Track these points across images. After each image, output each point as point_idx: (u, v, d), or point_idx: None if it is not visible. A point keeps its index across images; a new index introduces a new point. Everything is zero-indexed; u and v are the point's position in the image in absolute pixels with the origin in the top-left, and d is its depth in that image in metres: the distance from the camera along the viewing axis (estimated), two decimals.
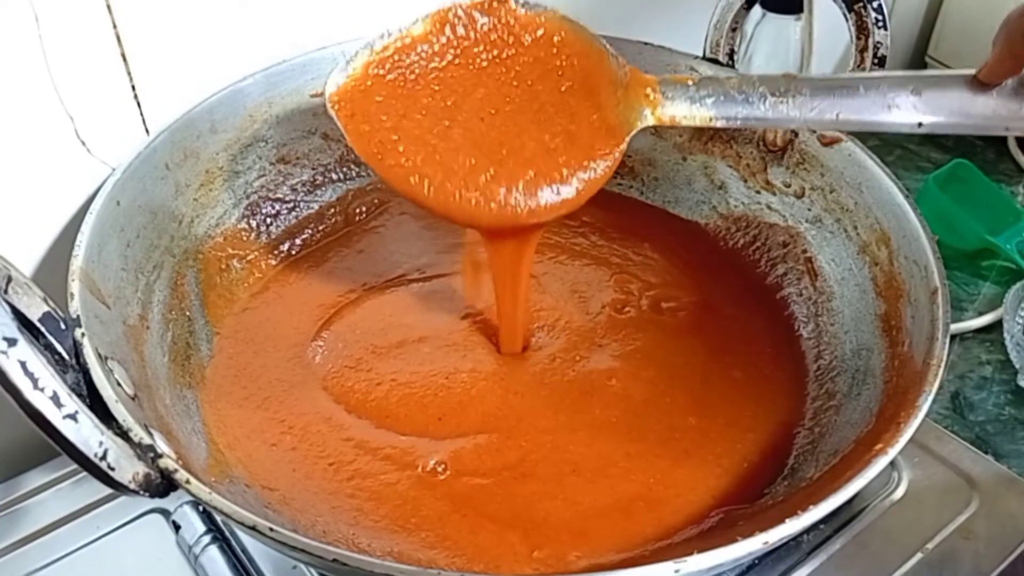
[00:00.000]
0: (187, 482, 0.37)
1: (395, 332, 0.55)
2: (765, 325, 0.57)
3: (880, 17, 0.55)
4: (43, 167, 0.52)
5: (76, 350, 0.41)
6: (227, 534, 0.50)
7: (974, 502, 0.52)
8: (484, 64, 0.49)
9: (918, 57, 0.97)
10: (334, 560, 0.35)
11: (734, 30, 0.59)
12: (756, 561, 0.49)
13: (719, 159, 0.62)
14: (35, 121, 0.50)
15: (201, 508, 0.51)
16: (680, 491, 0.47)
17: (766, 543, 0.36)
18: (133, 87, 0.53)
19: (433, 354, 0.54)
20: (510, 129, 0.48)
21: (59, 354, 0.40)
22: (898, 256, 0.51)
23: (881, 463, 0.39)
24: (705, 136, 0.62)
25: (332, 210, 0.63)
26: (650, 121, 0.48)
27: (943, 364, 0.44)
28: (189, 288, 0.54)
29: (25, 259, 0.53)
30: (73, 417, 0.36)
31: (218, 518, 0.51)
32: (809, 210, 0.58)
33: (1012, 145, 0.86)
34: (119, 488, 0.37)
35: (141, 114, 0.54)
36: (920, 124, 0.46)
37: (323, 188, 0.63)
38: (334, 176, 0.63)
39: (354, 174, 0.63)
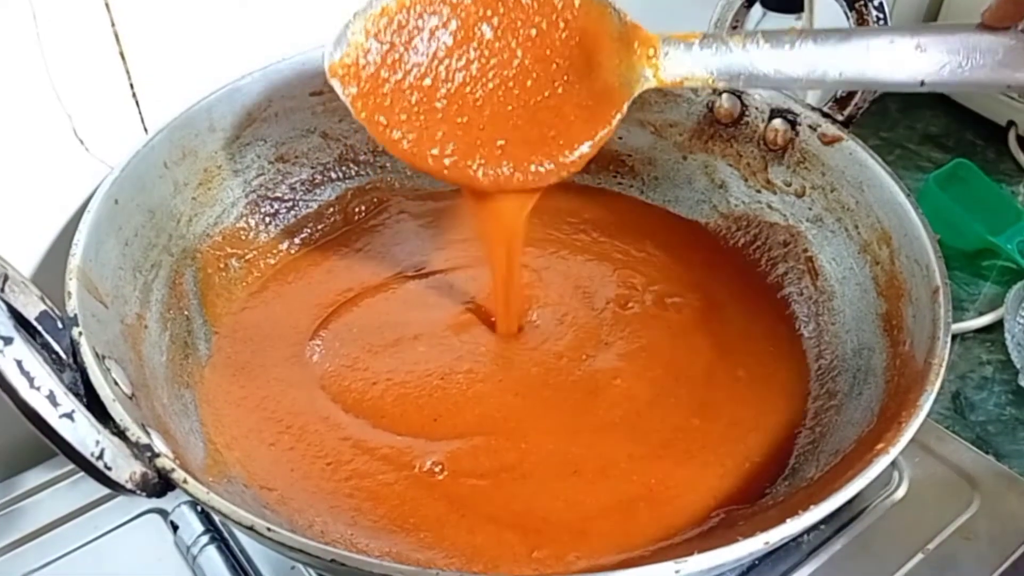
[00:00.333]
0: (185, 482, 0.37)
1: (391, 331, 0.55)
2: (766, 324, 0.56)
3: (881, 15, 0.54)
4: (41, 165, 0.51)
5: (73, 349, 0.41)
6: (225, 534, 0.50)
7: (975, 502, 0.52)
8: (482, 22, 0.48)
9: None
10: (332, 560, 0.35)
11: (735, 28, 0.59)
12: (756, 562, 0.49)
13: (719, 158, 0.62)
14: (33, 119, 0.50)
15: (199, 508, 0.50)
16: (681, 491, 0.47)
17: (767, 543, 0.36)
18: (131, 85, 0.53)
19: (428, 353, 0.54)
20: (508, 92, 0.47)
21: (56, 353, 0.40)
22: (899, 255, 0.51)
23: (883, 463, 0.39)
24: (706, 135, 0.62)
25: (331, 209, 0.62)
26: (652, 84, 0.47)
27: (945, 363, 0.43)
28: (187, 287, 0.54)
29: (22, 257, 0.53)
30: (69, 416, 0.35)
31: (216, 518, 0.50)
32: (810, 209, 0.58)
33: (1013, 145, 0.86)
34: (116, 488, 0.37)
35: (139, 112, 0.54)
36: (923, 83, 0.45)
37: (322, 187, 0.62)
38: (333, 175, 0.63)
39: (353, 173, 0.63)
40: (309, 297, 0.57)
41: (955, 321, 0.66)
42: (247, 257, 0.59)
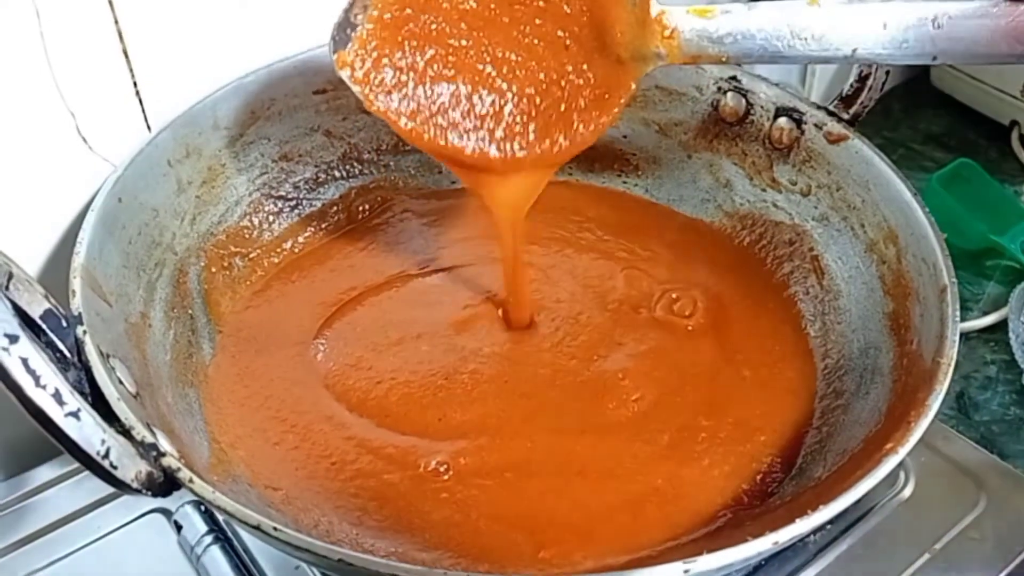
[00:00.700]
0: (191, 481, 0.37)
1: (395, 329, 0.55)
2: (772, 323, 0.56)
3: None
4: (44, 164, 0.51)
5: (78, 348, 0.41)
6: (229, 534, 0.50)
7: (982, 502, 0.52)
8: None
9: None
10: (340, 560, 0.35)
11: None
12: (763, 562, 0.49)
13: (724, 157, 0.61)
14: (36, 118, 0.50)
15: (203, 508, 0.50)
16: (688, 491, 0.47)
17: (776, 543, 0.36)
18: (135, 83, 0.53)
19: (432, 352, 0.53)
20: (519, 70, 0.47)
21: (60, 352, 0.40)
22: (906, 254, 0.51)
23: (891, 462, 0.39)
24: (711, 134, 0.61)
25: (335, 208, 0.62)
26: (664, 60, 0.46)
27: (953, 362, 0.43)
28: (191, 286, 0.54)
29: (26, 256, 0.52)
30: (75, 415, 0.35)
31: (220, 518, 0.50)
32: (816, 208, 0.57)
33: (1016, 144, 0.86)
34: (121, 487, 0.37)
35: (143, 110, 0.54)
36: (935, 57, 0.43)
37: (326, 186, 0.62)
38: (336, 174, 0.63)
39: (357, 172, 0.63)
40: (313, 296, 0.57)
41: None
42: (251, 256, 0.58)
